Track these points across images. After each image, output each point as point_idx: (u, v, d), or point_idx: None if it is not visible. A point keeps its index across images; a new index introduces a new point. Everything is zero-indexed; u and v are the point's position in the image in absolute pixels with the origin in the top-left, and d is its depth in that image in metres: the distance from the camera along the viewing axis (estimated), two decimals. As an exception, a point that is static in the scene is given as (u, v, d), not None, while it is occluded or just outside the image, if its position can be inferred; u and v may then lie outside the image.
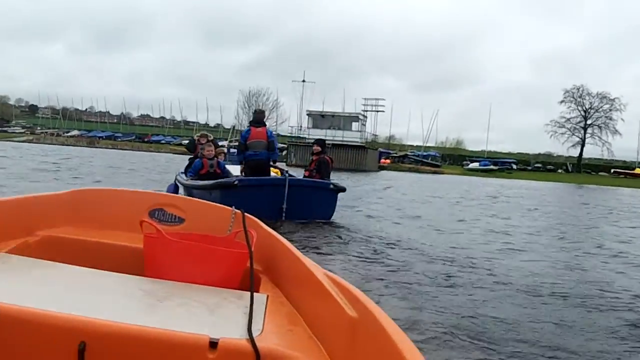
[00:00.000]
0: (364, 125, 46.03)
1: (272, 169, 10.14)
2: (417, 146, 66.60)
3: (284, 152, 46.69)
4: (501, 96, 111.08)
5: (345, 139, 42.32)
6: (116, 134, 68.24)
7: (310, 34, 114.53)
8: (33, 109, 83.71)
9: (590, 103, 64.60)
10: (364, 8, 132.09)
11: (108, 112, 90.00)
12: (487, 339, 3.03)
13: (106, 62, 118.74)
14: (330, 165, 9.19)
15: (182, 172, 9.80)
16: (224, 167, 8.91)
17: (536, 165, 65.52)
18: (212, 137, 10.69)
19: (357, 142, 42.88)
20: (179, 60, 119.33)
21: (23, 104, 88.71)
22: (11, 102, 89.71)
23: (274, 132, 9.78)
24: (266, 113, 56.15)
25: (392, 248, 6.10)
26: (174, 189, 9.42)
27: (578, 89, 64.64)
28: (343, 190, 8.51)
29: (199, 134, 10.78)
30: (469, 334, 3.09)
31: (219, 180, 8.00)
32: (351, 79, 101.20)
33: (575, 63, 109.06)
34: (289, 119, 58.18)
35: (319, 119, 44.22)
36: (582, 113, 64.83)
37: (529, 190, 28.69)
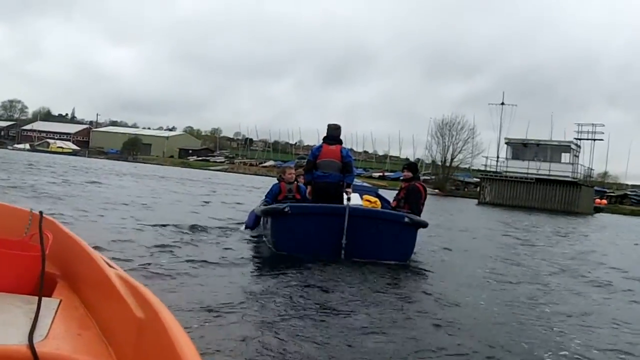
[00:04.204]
0: (577, 157, 40.19)
1: (369, 196, 9.13)
2: (638, 185, 56.42)
3: (478, 188, 43.44)
4: None
5: (552, 172, 37.63)
6: (311, 166, 72.76)
7: (532, 66, 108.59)
8: (250, 142, 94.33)
9: None
10: (593, 36, 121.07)
11: (315, 145, 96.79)
12: None
13: (326, 97, 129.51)
14: (422, 194, 7.76)
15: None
16: (305, 192, 8.23)
17: None
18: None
19: (568, 177, 37.72)
20: (395, 96, 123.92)
21: (240, 137, 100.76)
22: (227, 135, 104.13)
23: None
24: (460, 144, 53.48)
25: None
26: (255, 216, 9.04)
27: None
28: (424, 225, 7.04)
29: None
30: None
31: (271, 206, 7.32)
32: (568, 112, 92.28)
33: None
34: (487, 149, 53.03)
35: (521, 148, 40.06)
36: None
37: None
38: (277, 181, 8.52)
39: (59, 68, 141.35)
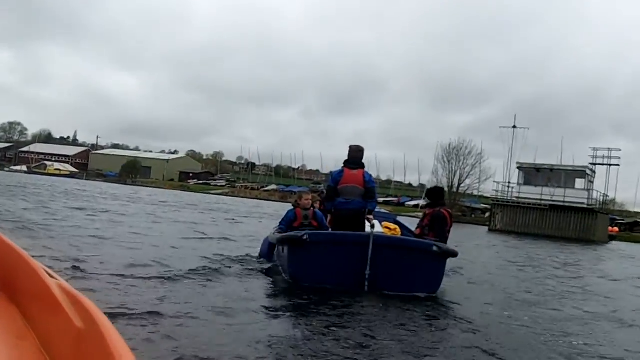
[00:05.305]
0: (592, 182, 39.50)
1: (388, 223, 8.78)
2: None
3: (486, 214, 42.84)
4: None
5: (567, 199, 37.03)
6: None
7: (539, 94, 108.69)
8: (252, 166, 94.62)
9: None
10: (600, 65, 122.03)
11: (318, 171, 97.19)
12: None
13: (331, 124, 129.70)
14: (448, 221, 7.41)
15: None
16: (322, 218, 7.89)
17: None
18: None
19: (583, 204, 37.11)
20: (401, 123, 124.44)
21: (243, 162, 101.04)
22: (230, 159, 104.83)
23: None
24: (467, 169, 52.94)
25: None
26: (269, 244, 8.67)
27: None
28: (453, 254, 6.67)
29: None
30: None
31: (287, 233, 6.96)
32: (575, 140, 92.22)
33: None
34: (494, 175, 52.03)
35: (533, 173, 39.44)
36: None
37: None
38: (292, 207, 8.20)
39: (62, 92, 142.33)
